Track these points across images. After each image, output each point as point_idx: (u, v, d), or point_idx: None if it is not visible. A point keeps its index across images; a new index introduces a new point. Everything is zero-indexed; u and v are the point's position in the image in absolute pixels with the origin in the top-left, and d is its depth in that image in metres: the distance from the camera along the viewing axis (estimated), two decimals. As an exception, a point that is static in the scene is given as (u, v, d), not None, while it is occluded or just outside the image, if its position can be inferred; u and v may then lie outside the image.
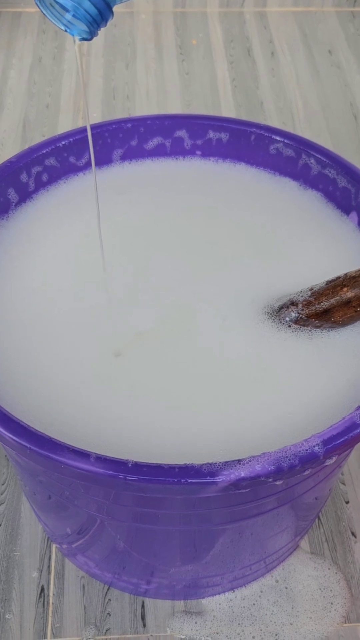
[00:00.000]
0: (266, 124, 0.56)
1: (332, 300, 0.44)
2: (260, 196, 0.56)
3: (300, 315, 0.45)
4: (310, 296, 0.45)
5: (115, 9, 1.26)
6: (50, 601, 0.57)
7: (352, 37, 1.18)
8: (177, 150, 0.57)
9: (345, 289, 0.44)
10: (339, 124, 1.02)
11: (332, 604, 0.57)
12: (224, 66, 1.12)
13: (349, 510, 0.63)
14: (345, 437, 0.38)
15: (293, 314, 0.45)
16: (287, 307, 0.46)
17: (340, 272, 0.51)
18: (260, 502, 0.44)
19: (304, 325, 0.45)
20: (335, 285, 0.44)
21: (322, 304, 0.44)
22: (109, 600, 0.57)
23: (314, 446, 0.37)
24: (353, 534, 0.61)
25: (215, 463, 0.37)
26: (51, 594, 0.58)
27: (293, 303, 0.46)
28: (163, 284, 0.49)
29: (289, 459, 0.37)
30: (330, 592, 0.57)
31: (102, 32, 1.16)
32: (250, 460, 0.37)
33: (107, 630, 0.56)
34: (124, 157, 0.57)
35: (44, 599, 0.57)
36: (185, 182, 0.56)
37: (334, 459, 0.38)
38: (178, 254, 0.51)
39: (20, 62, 1.11)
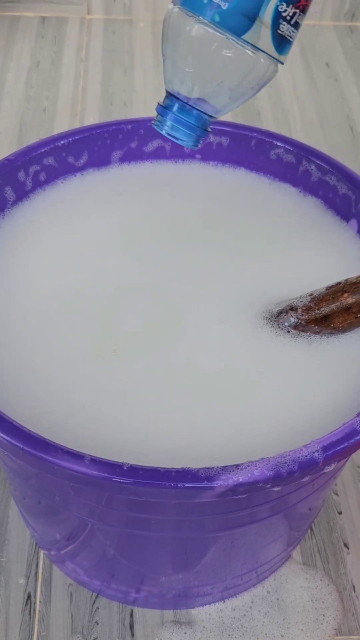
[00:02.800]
0: (267, 129, 0.55)
1: (332, 306, 0.44)
2: (260, 201, 0.55)
3: (300, 321, 0.45)
4: (310, 301, 0.44)
5: (113, 16, 1.25)
6: (37, 609, 0.56)
7: (350, 51, 1.19)
8: (177, 154, 0.57)
9: (345, 294, 0.43)
10: (336, 135, 1.02)
11: (324, 616, 0.56)
12: (221, 75, 1.12)
13: (341, 521, 0.62)
14: (345, 444, 0.37)
15: (292, 319, 0.45)
16: (286, 312, 0.45)
17: (339, 278, 0.50)
18: (254, 509, 0.43)
19: (303, 331, 0.45)
20: (335, 290, 0.44)
21: (322, 309, 0.44)
22: (97, 608, 0.56)
23: (314, 452, 0.37)
24: (345, 545, 0.60)
25: (213, 467, 0.36)
26: (38, 602, 0.56)
27: (292, 308, 0.45)
28: (159, 286, 0.49)
29: (288, 465, 0.36)
30: (322, 603, 0.57)
31: (100, 39, 1.16)
32: (248, 466, 0.36)
33: (94, 639, 0.55)
34: (123, 159, 0.56)
35: (30, 607, 0.56)
36: (184, 186, 0.56)
37: (333, 465, 0.38)
38: (175, 257, 0.50)
39: (18, 66, 1.11)
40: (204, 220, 0.53)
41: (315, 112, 1.06)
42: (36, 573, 0.58)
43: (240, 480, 0.36)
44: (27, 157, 0.52)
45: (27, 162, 0.52)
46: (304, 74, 1.13)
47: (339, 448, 0.37)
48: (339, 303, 0.43)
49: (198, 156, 0.57)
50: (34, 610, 0.56)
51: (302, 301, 0.45)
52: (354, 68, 1.15)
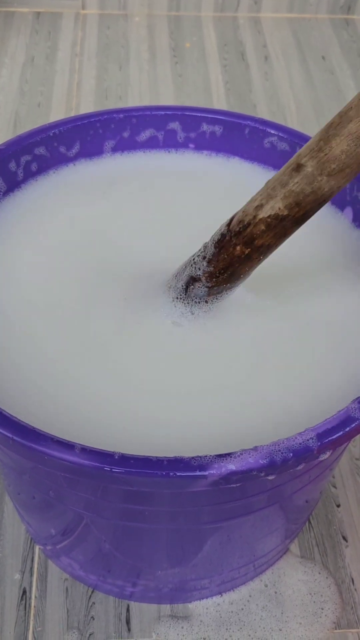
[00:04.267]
0: (261, 117, 0.55)
1: (233, 262, 0.41)
2: (254, 190, 0.55)
3: (210, 289, 0.42)
4: (207, 266, 0.42)
5: (108, 11, 1.25)
6: (32, 604, 0.55)
7: (346, 44, 1.18)
8: (170, 143, 0.56)
9: (237, 248, 0.40)
10: (332, 128, 1.02)
11: (322, 609, 0.55)
12: (217, 69, 1.11)
13: (339, 514, 0.61)
14: (341, 432, 0.37)
15: (202, 290, 0.42)
16: (192, 284, 0.43)
17: (334, 268, 0.49)
18: (249, 500, 0.43)
19: (217, 294, 0.43)
20: (226, 247, 0.41)
21: (224, 270, 0.41)
22: (93, 603, 0.56)
23: (308, 440, 0.36)
24: (344, 538, 0.60)
25: (206, 456, 0.35)
26: (33, 597, 0.56)
27: (195, 279, 0.42)
28: (155, 278, 0.48)
29: (282, 453, 0.36)
30: (321, 597, 0.56)
31: (95, 34, 1.16)
32: (241, 454, 0.35)
33: (90, 635, 0.54)
34: (115, 149, 0.56)
35: (25, 602, 0.55)
36: (177, 176, 0.55)
37: (328, 453, 0.37)
38: (168, 247, 0.50)
39: (13, 61, 1.10)
40: (197, 210, 0.52)
41: (311, 105, 1.06)
42: (31, 568, 0.57)
43: (234, 468, 0.35)
44: (18, 146, 0.52)
45: (18, 152, 0.52)
46: (300, 67, 1.13)
47: (334, 436, 0.37)
48: (237, 257, 0.41)
49: (191, 145, 0.56)
50: (30, 605, 0.55)
51: (199, 268, 0.42)
52: (349, 61, 1.14)
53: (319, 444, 0.36)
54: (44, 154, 0.53)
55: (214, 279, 0.42)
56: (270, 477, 0.36)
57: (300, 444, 0.36)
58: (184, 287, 0.43)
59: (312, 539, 0.60)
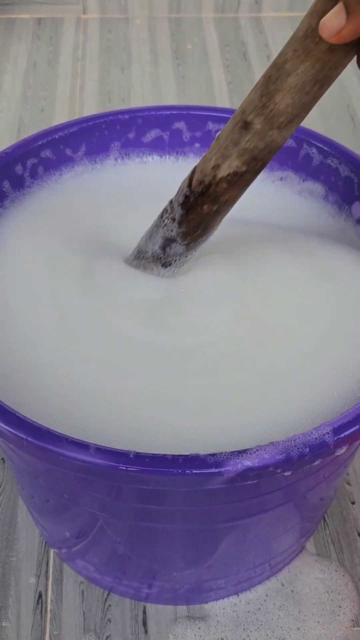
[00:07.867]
0: (266, 114, 0.55)
1: (204, 219, 0.41)
2: (259, 188, 0.55)
3: (187, 245, 0.43)
4: (179, 227, 0.42)
5: (109, 15, 1.25)
6: (49, 608, 0.55)
7: (348, 41, 1.18)
8: (176, 143, 0.56)
9: (205, 206, 0.41)
10: (336, 125, 1.02)
11: (340, 607, 0.55)
12: (219, 70, 1.11)
13: (354, 511, 0.61)
14: (357, 426, 0.36)
15: (180, 248, 0.43)
16: (169, 245, 0.43)
17: (341, 265, 0.49)
18: (264, 498, 0.43)
19: (194, 248, 0.43)
20: (193, 208, 0.41)
21: (197, 228, 0.42)
22: (109, 606, 0.55)
23: (324, 434, 0.36)
24: (359, 535, 0.60)
25: (221, 453, 0.35)
26: (49, 601, 0.56)
27: (170, 240, 0.43)
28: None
29: (299, 448, 0.35)
30: (338, 595, 0.56)
31: (97, 38, 1.16)
32: (257, 450, 0.35)
33: (107, 637, 0.54)
34: (121, 149, 0.56)
35: (41, 606, 0.55)
36: (184, 174, 0.55)
37: (345, 448, 0.37)
38: None
39: (15, 67, 1.10)
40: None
41: (314, 103, 1.05)
42: (47, 572, 0.57)
43: (250, 465, 0.35)
44: (24, 150, 0.52)
45: (24, 155, 0.52)
46: (302, 65, 1.12)
47: (350, 430, 0.36)
48: (205, 215, 0.41)
49: (197, 145, 0.56)
50: (46, 609, 0.55)
51: (172, 230, 0.42)
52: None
53: (335, 438, 0.36)
54: (50, 156, 0.53)
55: (189, 237, 0.42)
56: (286, 473, 0.36)
57: (317, 438, 0.36)
58: (162, 248, 0.44)
59: (328, 536, 0.59)
